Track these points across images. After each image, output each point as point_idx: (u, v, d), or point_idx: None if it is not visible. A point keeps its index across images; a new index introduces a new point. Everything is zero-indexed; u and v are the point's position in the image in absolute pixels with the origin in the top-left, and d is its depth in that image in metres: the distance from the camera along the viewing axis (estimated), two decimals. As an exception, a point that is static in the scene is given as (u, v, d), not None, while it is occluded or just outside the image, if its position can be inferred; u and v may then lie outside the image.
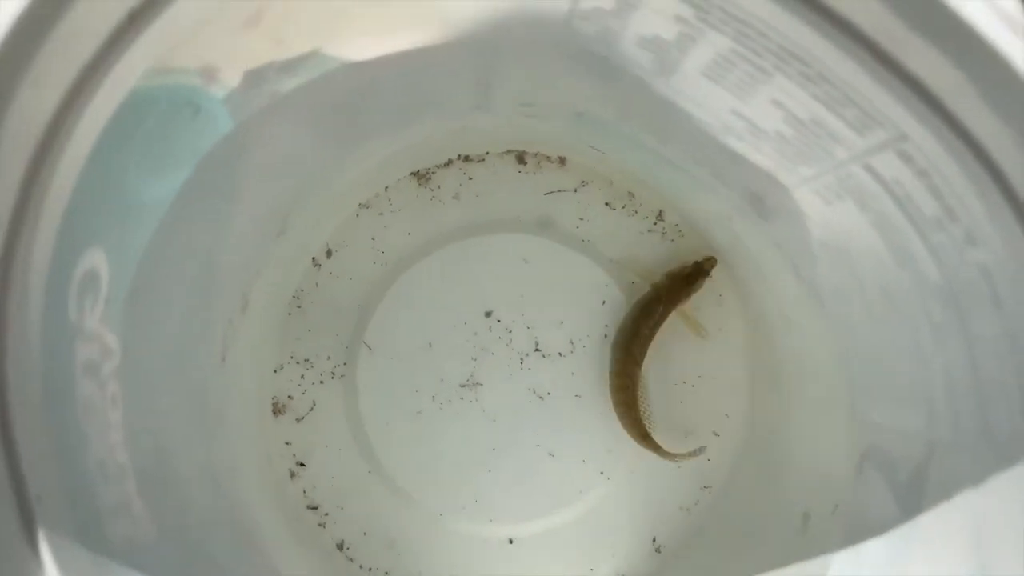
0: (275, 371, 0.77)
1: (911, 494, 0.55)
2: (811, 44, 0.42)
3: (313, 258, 0.78)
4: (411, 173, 0.79)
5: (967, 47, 0.38)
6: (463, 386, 0.78)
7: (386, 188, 0.78)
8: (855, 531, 0.61)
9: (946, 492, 0.52)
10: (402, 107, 0.64)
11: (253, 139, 0.55)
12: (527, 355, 0.78)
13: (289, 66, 0.53)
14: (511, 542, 0.78)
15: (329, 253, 0.78)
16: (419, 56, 0.56)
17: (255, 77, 0.52)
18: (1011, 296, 0.45)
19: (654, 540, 0.78)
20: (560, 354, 0.78)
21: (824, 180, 0.54)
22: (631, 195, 0.79)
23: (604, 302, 0.79)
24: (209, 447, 0.62)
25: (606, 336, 0.79)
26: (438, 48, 0.54)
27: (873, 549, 0.58)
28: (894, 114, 0.44)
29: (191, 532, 0.56)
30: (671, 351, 0.79)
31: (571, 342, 0.78)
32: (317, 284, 0.78)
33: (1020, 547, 0.47)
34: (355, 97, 0.58)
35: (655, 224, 0.79)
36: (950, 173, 0.44)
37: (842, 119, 0.47)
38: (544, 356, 0.78)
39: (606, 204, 0.79)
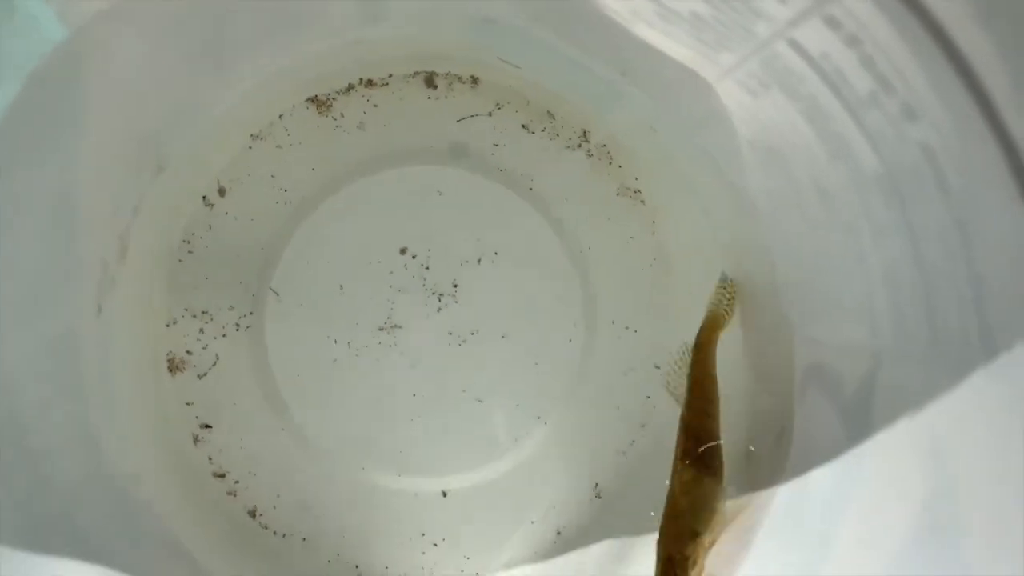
0: (168, 325, 0.70)
1: (858, 412, 0.51)
2: None
3: (204, 196, 0.71)
4: (308, 99, 0.71)
5: None
6: (380, 329, 0.71)
7: (280, 116, 0.71)
8: (800, 458, 0.56)
9: (896, 405, 0.47)
10: (277, 16, 0.57)
11: (94, 51, 0.48)
12: (445, 294, 0.72)
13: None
14: (444, 495, 0.72)
15: (222, 191, 0.71)
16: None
17: (83, -28, 0.45)
18: (958, 177, 0.39)
19: (596, 486, 0.73)
20: (482, 292, 0.72)
21: (748, 67, 0.48)
22: (550, 115, 0.73)
23: (528, 235, 0.73)
24: (82, 407, 0.56)
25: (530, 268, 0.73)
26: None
27: (820, 475, 0.53)
28: (817, -30, 0.38)
29: (53, 502, 0.49)
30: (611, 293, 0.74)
31: (492, 275, 0.72)
32: (211, 226, 0.71)
33: (982, 451, 0.42)
34: (213, 3, 0.51)
35: (580, 145, 0.73)
36: (882, 35, 0.38)
37: (761, -14, 0.41)
38: (464, 294, 0.72)
39: (523, 127, 0.73)
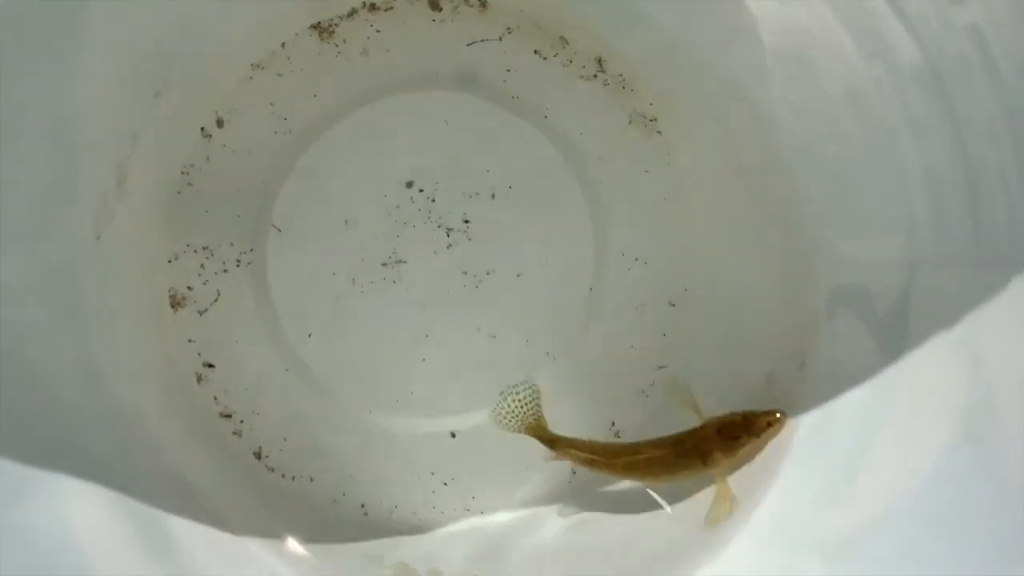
0: (169, 261, 0.68)
1: (893, 330, 0.49)
2: None
3: (202, 128, 0.68)
4: (310, 26, 0.68)
5: None
6: (384, 265, 0.69)
7: (283, 45, 0.68)
8: (828, 382, 0.54)
9: (932, 319, 0.45)
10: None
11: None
12: (454, 229, 0.69)
13: None
14: (453, 436, 0.70)
15: (220, 122, 0.68)
16: None
17: None
18: (1009, 60, 0.37)
19: (612, 424, 0.71)
20: (492, 225, 0.70)
21: (779, -34, 0.46)
22: (563, 40, 0.70)
23: (541, 167, 0.70)
24: (83, 339, 0.53)
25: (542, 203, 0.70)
26: None
27: (848, 399, 0.51)
28: None
29: (58, 430, 0.47)
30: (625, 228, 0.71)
31: (504, 210, 0.70)
32: (208, 158, 0.68)
33: (1021, 364, 0.40)
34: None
35: (595, 75, 0.71)
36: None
37: None
38: (476, 230, 0.70)
39: (535, 52, 0.70)
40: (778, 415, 0.57)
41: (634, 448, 0.63)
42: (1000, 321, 0.41)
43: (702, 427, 0.60)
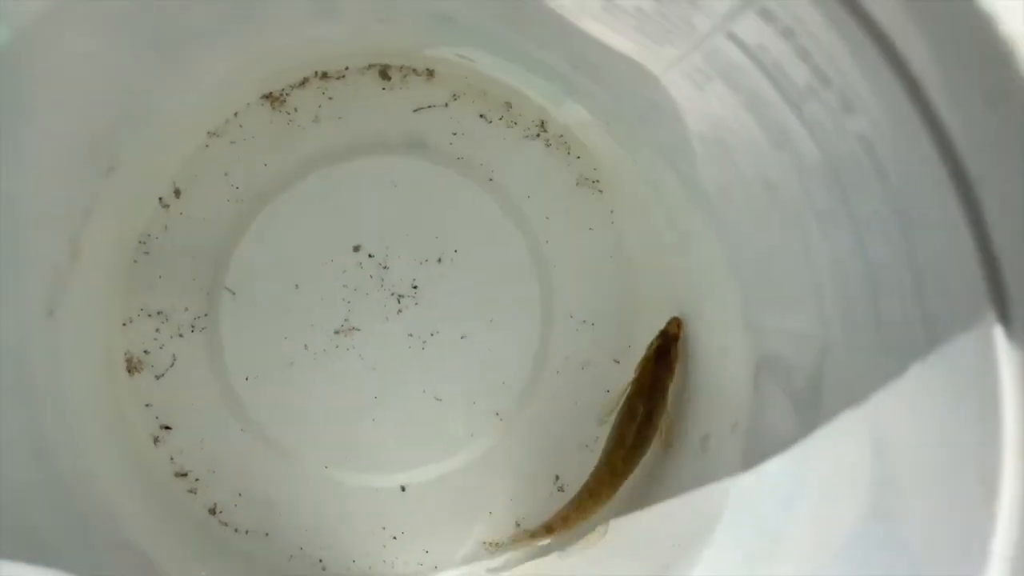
0: (124, 324, 0.69)
1: (809, 402, 0.51)
2: None
3: (160, 198, 0.70)
4: (263, 96, 0.71)
5: None
6: (337, 332, 0.71)
7: (236, 114, 0.71)
8: (755, 447, 0.56)
9: (842, 396, 0.48)
10: (229, 13, 0.57)
11: (39, 51, 0.48)
12: (404, 295, 0.71)
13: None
14: (403, 489, 0.72)
15: (177, 192, 0.70)
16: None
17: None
18: (895, 167, 0.40)
19: (557, 478, 0.73)
20: (441, 290, 0.72)
21: (691, 60, 0.48)
22: (508, 105, 0.72)
23: (487, 229, 0.73)
24: (33, 415, 0.55)
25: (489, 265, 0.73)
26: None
27: (773, 464, 0.54)
28: (750, -36, 0.38)
29: (7, 514, 0.48)
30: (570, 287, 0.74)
31: (452, 275, 0.72)
32: (166, 227, 0.70)
33: (924, 441, 0.42)
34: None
35: (537, 135, 0.73)
36: (817, 28, 0.38)
37: (698, -21, 0.41)
38: (424, 295, 0.72)
39: (481, 116, 0.72)
40: (675, 318, 0.68)
41: (608, 461, 0.68)
42: (900, 405, 0.43)
43: (642, 373, 0.68)
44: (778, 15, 0.39)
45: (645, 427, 0.67)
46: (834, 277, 0.47)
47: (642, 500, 0.66)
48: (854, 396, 0.46)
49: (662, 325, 0.70)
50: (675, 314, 0.69)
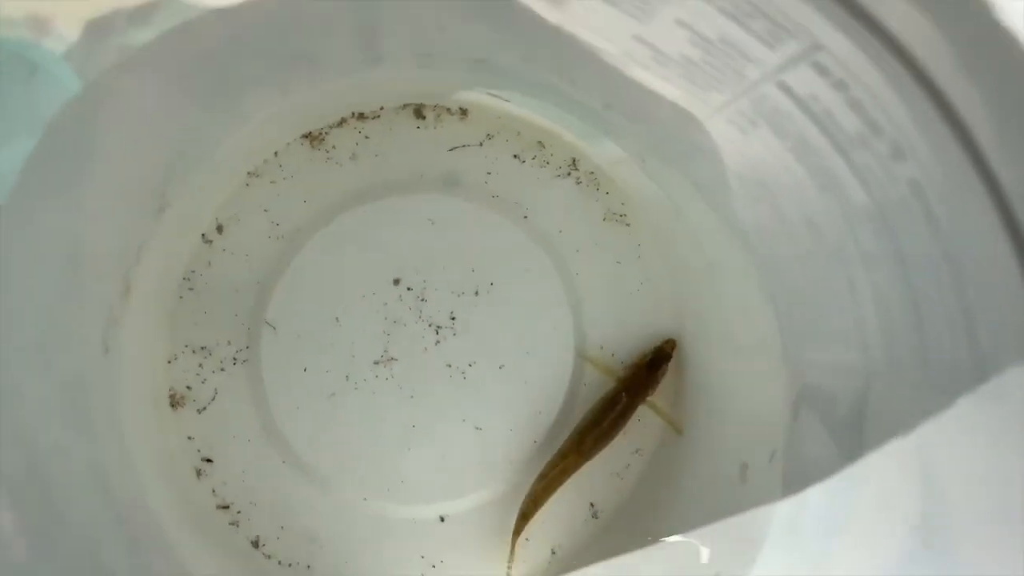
0: (169, 361, 0.71)
1: (850, 432, 0.52)
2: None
3: (203, 235, 0.72)
4: (303, 135, 0.73)
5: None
6: (376, 363, 0.73)
7: (276, 153, 0.72)
8: (795, 477, 0.58)
9: (887, 427, 0.49)
10: (278, 62, 0.58)
11: (108, 100, 0.49)
12: (442, 327, 0.73)
13: (139, 15, 0.47)
14: (442, 520, 0.73)
15: (220, 228, 0.72)
16: (288, 3, 0.51)
17: (98, 29, 0.46)
18: (945, 212, 0.42)
19: (592, 505, 0.75)
20: (478, 321, 0.74)
21: (738, 106, 0.50)
22: (541, 145, 0.75)
23: (521, 263, 0.74)
24: (94, 448, 0.56)
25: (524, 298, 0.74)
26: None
27: (815, 492, 0.55)
28: (807, 21, 0.40)
29: (74, 543, 0.50)
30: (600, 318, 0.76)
31: (489, 307, 0.74)
32: (210, 263, 0.72)
33: (971, 475, 0.44)
34: (221, 51, 0.52)
35: (568, 174, 0.75)
36: (870, 81, 0.40)
37: (752, 33, 0.43)
38: (462, 326, 0.73)
39: (514, 156, 0.74)
40: (670, 339, 0.74)
41: (579, 436, 0.73)
42: (949, 439, 0.45)
43: (631, 376, 0.73)
44: (831, 69, 0.41)
45: (619, 420, 0.73)
46: (879, 312, 0.49)
47: (681, 528, 0.67)
48: (898, 427, 0.48)
49: (692, 355, 0.72)
50: (703, 341, 0.72)
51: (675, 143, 0.60)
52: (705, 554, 0.64)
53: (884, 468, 0.50)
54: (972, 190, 0.39)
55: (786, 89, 0.45)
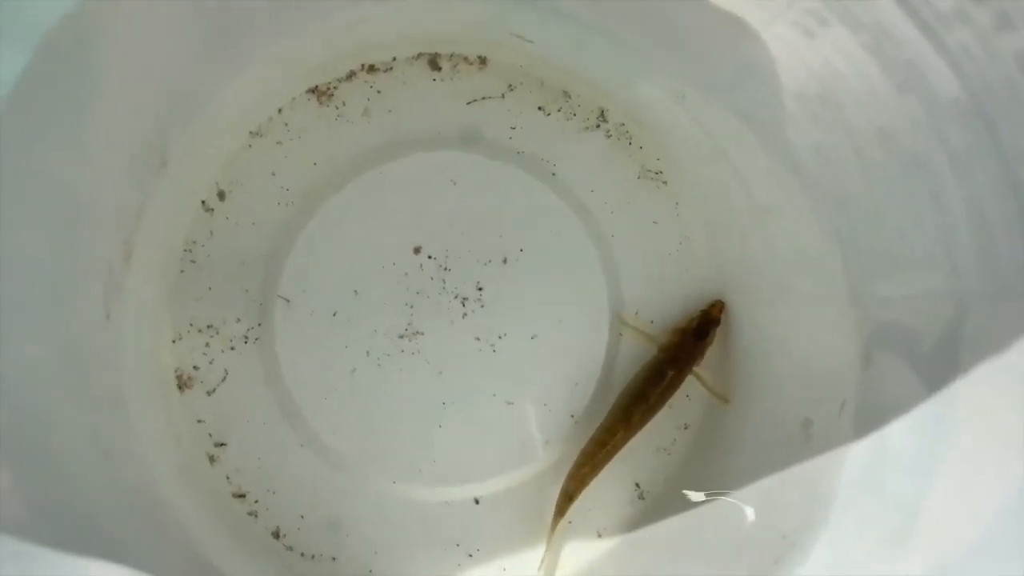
0: (174, 341, 0.65)
1: (942, 365, 0.47)
2: None
3: (203, 201, 0.66)
4: (308, 90, 0.67)
5: None
6: (401, 337, 0.67)
7: (280, 110, 0.67)
8: (872, 424, 0.52)
9: (987, 354, 0.44)
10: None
11: (105, 22, 0.45)
12: (469, 298, 0.67)
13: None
14: (477, 502, 0.67)
15: (222, 195, 0.67)
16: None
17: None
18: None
19: (637, 486, 0.69)
20: (506, 290, 0.68)
21: (804, 4, 0.45)
22: (566, 95, 0.69)
23: (552, 226, 0.69)
24: (98, 424, 0.51)
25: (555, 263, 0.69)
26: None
27: (899, 438, 0.50)
28: None
29: (77, 508, 0.45)
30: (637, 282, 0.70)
31: (517, 273, 0.68)
32: (212, 232, 0.66)
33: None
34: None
35: (598, 126, 0.70)
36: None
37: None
38: (490, 297, 0.68)
39: (539, 108, 0.69)
40: (717, 302, 0.68)
41: (625, 410, 0.67)
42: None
43: (677, 344, 0.67)
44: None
45: (667, 393, 0.67)
46: (971, 221, 0.44)
47: (741, 497, 0.61)
48: (1002, 351, 0.43)
49: (740, 316, 0.67)
50: (752, 298, 0.66)
51: (722, 67, 0.55)
52: (766, 520, 0.59)
53: (985, 399, 0.44)
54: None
55: (865, -30, 0.40)
